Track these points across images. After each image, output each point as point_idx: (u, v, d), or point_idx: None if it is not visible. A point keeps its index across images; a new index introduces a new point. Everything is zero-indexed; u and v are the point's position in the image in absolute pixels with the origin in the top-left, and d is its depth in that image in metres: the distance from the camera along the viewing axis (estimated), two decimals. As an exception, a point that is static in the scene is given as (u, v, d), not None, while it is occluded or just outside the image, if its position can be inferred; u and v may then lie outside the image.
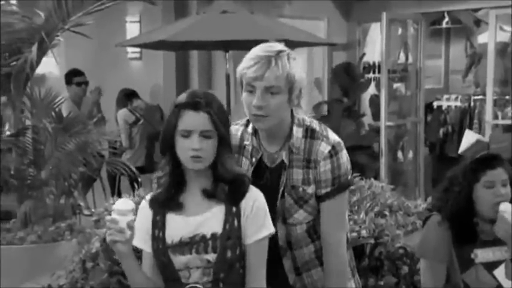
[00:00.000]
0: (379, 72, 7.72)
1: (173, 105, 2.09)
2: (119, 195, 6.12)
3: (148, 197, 2.20)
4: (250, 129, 2.32)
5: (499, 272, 2.63)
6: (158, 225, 2.13)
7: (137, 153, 6.98)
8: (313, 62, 7.91)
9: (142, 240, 2.14)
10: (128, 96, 7.09)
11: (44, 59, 4.89)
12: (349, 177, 2.33)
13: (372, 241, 3.34)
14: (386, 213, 3.58)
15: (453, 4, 7.48)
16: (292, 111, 2.29)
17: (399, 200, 3.81)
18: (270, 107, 2.17)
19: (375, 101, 7.71)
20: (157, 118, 7.05)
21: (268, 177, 2.29)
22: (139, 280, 2.12)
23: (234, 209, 2.09)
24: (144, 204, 2.19)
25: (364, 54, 8.11)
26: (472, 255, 2.61)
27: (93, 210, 5.15)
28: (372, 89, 8.07)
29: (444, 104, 8.29)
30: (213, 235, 2.07)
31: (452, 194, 2.64)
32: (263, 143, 2.31)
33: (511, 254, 2.61)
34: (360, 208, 3.52)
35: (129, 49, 7.78)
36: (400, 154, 7.71)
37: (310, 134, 2.28)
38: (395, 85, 7.56)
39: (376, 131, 7.24)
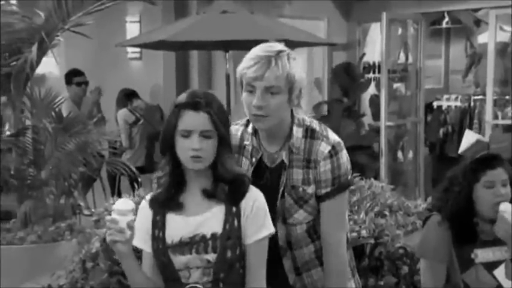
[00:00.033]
0: (379, 72, 7.72)
1: (173, 105, 2.09)
2: (119, 195, 6.12)
3: (148, 197, 2.20)
4: (250, 129, 2.32)
5: (499, 272, 2.63)
6: (158, 225, 2.13)
7: (137, 153, 6.98)
8: (313, 62, 7.91)
9: (142, 240, 2.14)
10: (128, 96, 7.09)
11: (44, 59, 4.89)
12: (349, 177, 2.33)
13: (372, 241, 3.34)
14: (387, 213, 3.58)
15: (453, 4, 7.48)
16: (292, 111, 2.29)
17: (399, 200, 3.81)
18: (270, 107, 2.17)
19: (374, 101, 7.72)
20: (158, 118, 7.05)
21: (268, 177, 2.29)
22: (139, 280, 2.12)
23: (234, 209, 2.09)
24: (144, 204, 2.19)
25: (364, 54, 8.11)
26: (472, 255, 2.61)
27: (93, 210, 5.15)
28: (372, 89, 8.07)
29: (444, 104, 8.29)
30: (213, 235, 2.07)
31: (452, 194, 2.64)
32: (263, 143, 2.31)
33: (511, 254, 2.61)
34: (360, 208, 3.52)
35: (129, 49, 7.78)
36: (400, 154, 7.71)
37: (310, 134, 2.28)
38: (395, 85, 7.56)
39: (376, 131, 7.24)
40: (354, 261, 2.52)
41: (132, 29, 7.80)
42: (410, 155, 7.61)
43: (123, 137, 6.94)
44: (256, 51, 2.19)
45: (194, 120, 2.04)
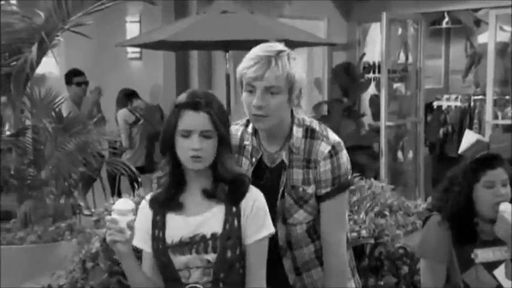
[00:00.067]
0: (379, 72, 7.72)
1: (173, 105, 2.09)
2: (119, 195, 6.12)
3: (148, 197, 2.20)
4: (250, 129, 2.32)
5: (499, 272, 2.63)
6: (158, 225, 2.13)
7: (137, 153, 6.98)
8: (313, 62, 7.92)
9: (142, 240, 2.14)
10: (128, 96, 7.09)
11: (44, 59, 4.89)
12: (349, 177, 2.33)
13: (372, 241, 3.34)
14: (387, 213, 3.58)
15: (453, 4, 7.49)
16: (292, 111, 2.29)
17: (399, 200, 3.81)
18: (270, 107, 2.17)
19: (374, 101, 7.72)
20: (158, 118, 7.05)
21: (268, 177, 2.29)
22: (139, 280, 2.12)
23: (234, 209, 2.09)
24: (144, 204, 2.19)
25: (364, 54, 8.11)
26: (472, 255, 2.61)
27: (93, 210, 5.15)
28: (372, 89, 8.07)
29: (444, 104, 8.29)
30: (213, 235, 2.07)
31: (452, 194, 2.64)
32: (263, 143, 2.30)
33: (511, 254, 2.61)
34: (360, 208, 3.52)
35: (129, 49, 7.78)
36: (400, 154, 7.71)
37: (310, 134, 2.28)
38: (395, 85, 7.56)
39: (376, 131, 7.24)
40: (354, 261, 2.52)
41: (132, 29, 7.80)
42: (410, 155, 7.61)
43: (123, 137, 6.94)
44: (256, 51, 2.19)
45: (194, 120, 2.04)
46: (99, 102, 7.06)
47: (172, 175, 2.12)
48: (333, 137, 2.29)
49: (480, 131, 7.33)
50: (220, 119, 2.07)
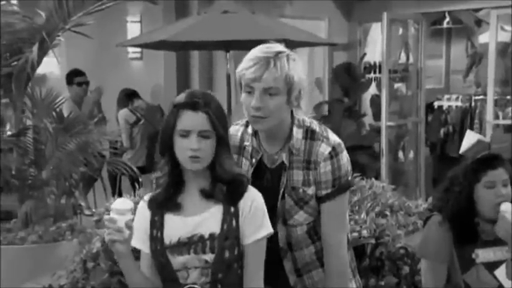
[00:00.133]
0: (379, 72, 7.72)
1: (172, 105, 2.09)
2: (120, 195, 6.12)
3: (146, 197, 2.20)
4: (250, 129, 2.32)
5: (500, 272, 2.63)
6: (156, 225, 2.13)
7: (138, 153, 6.98)
8: (314, 62, 7.91)
9: (140, 240, 2.14)
10: (128, 96, 7.09)
11: (45, 59, 4.89)
12: (350, 178, 2.32)
13: (373, 241, 3.33)
14: (387, 213, 3.58)
15: (454, 4, 7.49)
16: (292, 112, 2.28)
17: (400, 200, 3.80)
18: (268, 108, 2.17)
19: (375, 101, 7.71)
20: (158, 118, 7.04)
21: (268, 178, 2.29)
22: (137, 280, 2.12)
23: (232, 209, 2.09)
24: (142, 205, 2.19)
25: (365, 54, 8.11)
26: (473, 255, 2.61)
27: (94, 210, 5.15)
28: (372, 89, 8.07)
29: (445, 104, 8.28)
30: (211, 235, 2.07)
31: (453, 194, 2.64)
32: (263, 144, 2.30)
33: (512, 254, 2.62)
34: (361, 208, 3.52)
35: (130, 49, 7.79)
36: (401, 154, 7.71)
37: (310, 135, 2.27)
38: (396, 85, 7.56)
39: (377, 131, 7.24)
40: (355, 262, 2.52)
41: (133, 29, 7.81)
42: (411, 155, 7.61)
43: (124, 137, 6.94)
44: (255, 52, 2.19)
45: (193, 120, 2.04)
46: (100, 102, 7.06)
47: (171, 175, 2.12)
48: (333, 138, 2.29)
49: (481, 131, 7.32)
50: (219, 119, 2.07)
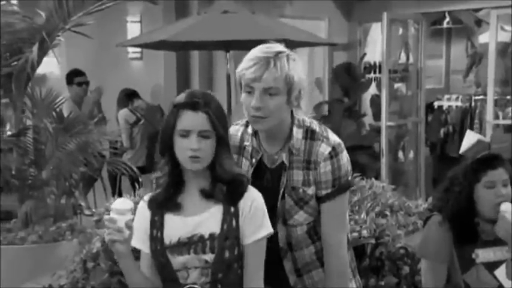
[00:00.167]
0: (379, 72, 7.72)
1: (172, 105, 2.09)
2: (120, 195, 6.12)
3: (146, 197, 2.20)
4: (250, 129, 2.32)
5: (500, 272, 2.62)
6: (156, 225, 2.13)
7: (138, 153, 6.98)
8: (314, 62, 7.91)
9: (140, 240, 2.14)
10: (128, 96, 7.09)
11: (45, 59, 4.89)
12: (350, 178, 2.32)
13: (373, 241, 3.33)
14: (387, 213, 3.57)
15: (454, 4, 7.49)
16: (292, 112, 2.28)
17: (400, 200, 3.80)
18: (268, 108, 2.17)
19: (375, 101, 7.71)
20: (158, 118, 7.05)
21: (268, 178, 2.28)
22: (137, 280, 2.12)
23: (232, 209, 2.09)
24: (142, 205, 2.19)
25: (365, 54, 8.11)
26: (473, 255, 2.61)
27: (94, 210, 5.15)
28: (372, 89, 8.07)
29: (445, 104, 8.28)
30: (211, 235, 2.07)
31: (453, 194, 2.64)
32: (263, 144, 2.30)
33: (512, 254, 2.62)
34: (361, 208, 3.52)
35: (130, 49, 7.79)
36: (401, 154, 7.71)
37: (310, 135, 2.27)
38: (396, 85, 7.56)
39: (377, 131, 7.24)
40: (355, 262, 2.52)
41: (133, 29, 7.81)
42: (411, 155, 7.61)
43: (124, 137, 6.94)
44: (255, 52, 2.19)
45: (193, 120, 2.04)
46: (100, 102, 7.06)
47: (171, 175, 2.12)
48: (333, 138, 2.29)
49: (481, 131, 7.32)
50: (219, 119, 2.07)
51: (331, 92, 7.91)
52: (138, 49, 7.64)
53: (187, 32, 5.39)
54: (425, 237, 2.72)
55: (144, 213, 2.16)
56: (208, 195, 2.11)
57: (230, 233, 2.07)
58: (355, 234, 3.22)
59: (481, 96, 7.75)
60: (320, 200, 2.27)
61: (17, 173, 4.80)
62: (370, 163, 6.95)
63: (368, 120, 7.98)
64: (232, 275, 2.09)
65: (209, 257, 2.07)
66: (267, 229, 2.12)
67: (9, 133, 5.14)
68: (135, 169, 5.56)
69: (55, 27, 4.72)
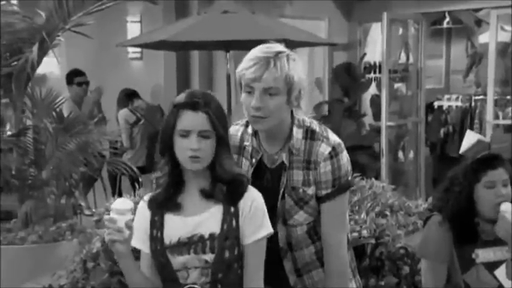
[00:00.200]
0: (379, 72, 7.72)
1: (172, 105, 2.09)
2: (120, 195, 6.12)
3: (146, 197, 2.20)
4: (250, 129, 2.32)
5: (500, 272, 2.62)
6: (156, 225, 2.13)
7: (138, 153, 6.98)
8: (314, 62, 7.91)
9: (140, 240, 2.14)
10: (128, 96, 7.09)
11: (45, 59, 4.89)
12: (350, 178, 2.32)
13: (373, 241, 3.33)
14: (387, 213, 3.57)
15: (454, 4, 7.49)
16: (292, 112, 2.28)
17: (400, 200, 3.80)
18: (268, 108, 2.17)
19: (375, 101, 7.71)
20: (158, 118, 7.05)
21: (268, 178, 2.28)
22: (137, 280, 2.12)
23: (232, 209, 2.09)
24: (142, 205, 2.19)
25: (365, 54, 8.11)
26: (473, 255, 2.61)
27: (94, 210, 5.15)
28: (372, 89, 8.07)
29: (445, 104, 8.28)
30: (211, 235, 2.07)
31: (453, 194, 2.64)
32: (263, 144, 2.30)
33: (512, 254, 2.62)
34: (361, 208, 3.52)
35: (130, 49, 7.79)
36: (401, 154, 7.71)
37: (310, 135, 2.27)
38: (396, 85, 7.56)
39: (377, 131, 7.24)
40: (355, 262, 2.52)
41: (133, 29, 7.81)
42: (411, 155, 7.61)
43: (124, 137, 6.94)
44: (255, 52, 2.19)
45: (193, 120, 2.04)
46: (100, 102, 7.06)
47: (171, 175, 2.12)
48: (333, 138, 2.29)
49: (481, 131, 7.32)
50: (219, 119, 2.07)
51: (331, 92, 7.91)
52: (138, 49, 7.64)
53: (187, 32, 5.40)
54: (425, 237, 2.72)
55: (144, 213, 2.16)
56: (208, 195, 2.11)
57: (230, 233, 2.07)
58: (355, 234, 3.22)
59: (481, 96, 7.75)
60: (320, 200, 2.27)
61: (17, 173, 4.80)
62: (370, 163, 6.95)
63: (368, 120, 7.98)
64: (232, 275, 2.09)
65: (209, 257, 2.06)
66: (267, 229, 2.12)
67: (9, 133, 5.14)
68: (135, 169, 5.56)
69: (55, 27, 4.72)
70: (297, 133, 2.27)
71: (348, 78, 7.84)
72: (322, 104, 7.75)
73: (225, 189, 2.10)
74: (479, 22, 8.94)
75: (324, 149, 2.25)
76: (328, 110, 7.72)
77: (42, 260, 4.30)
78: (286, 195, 2.27)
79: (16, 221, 4.77)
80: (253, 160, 2.29)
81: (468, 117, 7.96)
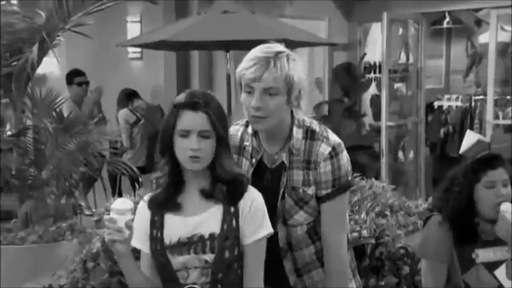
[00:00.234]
0: (379, 72, 7.73)
1: (172, 105, 2.09)
2: (120, 195, 6.12)
3: (146, 197, 2.20)
4: (250, 129, 2.32)
5: (500, 272, 2.62)
6: (156, 225, 2.13)
7: (138, 153, 6.98)
8: (314, 62, 7.91)
9: (140, 240, 2.14)
10: (128, 96, 7.09)
11: (45, 59, 4.89)
12: (350, 178, 2.32)
13: (373, 241, 3.33)
14: (387, 213, 3.57)
15: (454, 4, 7.49)
16: (292, 112, 2.28)
17: (400, 200, 3.80)
18: (268, 108, 2.17)
19: (375, 101, 7.71)
20: (158, 118, 7.05)
21: (268, 178, 2.28)
22: (137, 280, 2.12)
23: (232, 209, 2.09)
24: (142, 205, 2.19)
25: (365, 54, 8.11)
26: (473, 255, 2.61)
27: (94, 210, 5.15)
28: (372, 89, 8.07)
29: (445, 104, 8.28)
30: (211, 235, 2.07)
31: (453, 194, 2.64)
32: (263, 144, 2.30)
33: (512, 254, 2.62)
34: (361, 208, 3.52)
35: (130, 49, 7.79)
36: (401, 154, 7.71)
37: (310, 135, 2.27)
38: (396, 85, 7.56)
39: (377, 131, 7.24)
40: (355, 262, 2.52)
41: (133, 29, 7.81)
42: (411, 155, 7.61)
43: (124, 137, 6.94)
44: (255, 52, 2.19)
45: (193, 120, 2.04)
46: (100, 102, 7.06)
47: (171, 175, 2.12)
48: (333, 138, 2.29)
49: (481, 131, 7.32)
50: (219, 119, 2.07)
51: (331, 92, 7.91)
52: (138, 49, 7.64)
53: (187, 32, 5.39)
54: (425, 237, 2.72)
55: (144, 213, 2.16)
56: (208, 195, 2.11)
57: (230, 233, 2.07)
58: (355, 234, 3.22)
59: (481, 96, 7.75)
60: (320, 200, 2.27)
61: (17, 173, 4.80)
62: (370, 163, 6.96)
63: (368, 120, 7.98)
64: (232, 275, 2.09)
65: (209, 257, 2.06)
66: (267, 229, 2.12)
67: (9, 133, 5.14)
68: (135, 169, 5.56)
69: (55, 27, 4.72)
70: (297, 133, 2.27)
71: (348, 78, 7.84)
72: (322, 104, 7.75)
73: (225, 189, 2.10)
74: (479, 22, 8.94)
75: (324, 149, 2.25)
76: (328, 110, 7.72)
77: (42, 260, 4.30)
78: (286, 195, 2.27)
79: (16, 221, 4.77)
80: (253, 160, 2.29)
81: (468, 117, 7.96)
